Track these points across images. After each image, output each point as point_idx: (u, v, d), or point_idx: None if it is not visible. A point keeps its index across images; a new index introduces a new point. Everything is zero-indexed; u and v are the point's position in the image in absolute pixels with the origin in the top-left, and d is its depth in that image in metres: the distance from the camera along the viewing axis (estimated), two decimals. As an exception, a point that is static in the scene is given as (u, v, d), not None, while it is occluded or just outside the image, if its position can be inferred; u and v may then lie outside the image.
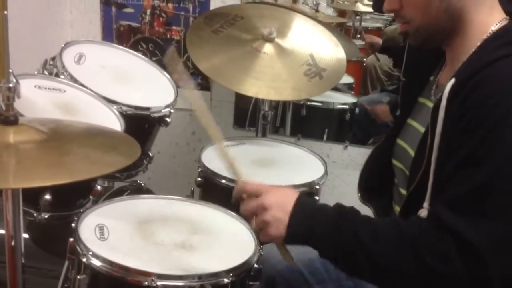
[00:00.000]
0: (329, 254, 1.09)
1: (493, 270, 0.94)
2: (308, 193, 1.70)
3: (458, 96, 1.02)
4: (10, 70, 1.00)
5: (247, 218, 1.14)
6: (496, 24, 1.09)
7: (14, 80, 1.01)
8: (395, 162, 1.31)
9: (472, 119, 0.98)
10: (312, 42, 1.99)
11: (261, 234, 1.12)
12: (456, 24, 1.10)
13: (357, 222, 1.06)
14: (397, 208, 1.27)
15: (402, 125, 1.31)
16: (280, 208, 1.08)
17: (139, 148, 1.13)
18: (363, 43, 2.72)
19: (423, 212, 1.08)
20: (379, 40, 2.67)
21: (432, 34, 1.13)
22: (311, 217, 1.08)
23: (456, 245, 0.95)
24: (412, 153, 1.19)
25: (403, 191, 1.22)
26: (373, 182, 1.42)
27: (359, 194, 1.45)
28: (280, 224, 1.07)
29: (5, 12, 0.96)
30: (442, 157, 1.05)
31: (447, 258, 0.95)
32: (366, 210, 1.45)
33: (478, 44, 1.08)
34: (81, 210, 1.42)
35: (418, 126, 1.23)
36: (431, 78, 1.27)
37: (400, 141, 1.29)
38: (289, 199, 1.10)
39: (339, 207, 1.11)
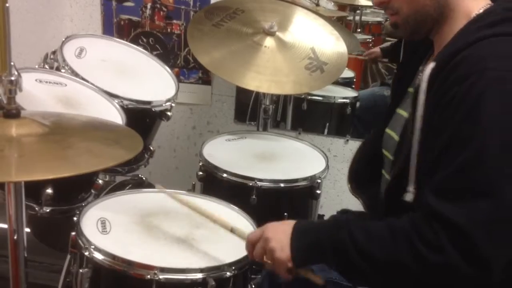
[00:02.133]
0: (332, 262, 1.10)
1: (486, 251, 0.92)
2: (309, 186, 1.70)
3: (437, 79, 1.03)
4: (12, 63, 1.00)
5: (260, 262, 1.17)
6: (480, 10, 1.09)
7: (16, 73, 1.00)
8: (384, 151, 1.31)
9: (451, 101, 0.98)
10: (313, 36, 1.99)
11: (275, 266, 1.12)
12: (443, 11, 1.11)
13: (351, 225, 1.06)
14: None
15: (391, 114, 1.31)
16: (281, 234, 1.12)
17: (141, 142, 1.13)
18: (364, 37, 2.71)
19: (408, 196, 1.09)
20: (377, 51, 2.67)
21: (420, 23, 1.13)
22: (310, 230, 1.12)
23: (445, 230, 0.94)
24: (397, 138, 1.20)
25: (389, 179, 1.22)
26: (363, 173, 1.42)
27: (349, 186, 1.45)
28: (284, 245, 1.10)
29: (7, 5, 0.96)
30: (424, 139, 1.05)
31: (440, 248, 0.94)
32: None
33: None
34: (83, 204, 1.42)
35: (403, 112, 1.24)
36: (420, 67, 1.27)
37: (388, 130, 1.30)
38: (288, 225, 1.13)
39: (334, 217, 1.14)
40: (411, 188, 1.09)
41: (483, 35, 1.01)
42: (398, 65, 1.37)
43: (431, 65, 1.05)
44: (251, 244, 1.17)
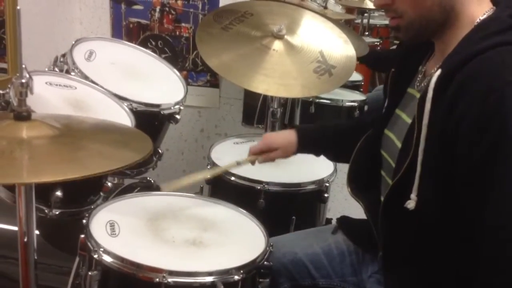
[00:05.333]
0: None
1: None
2: (317, 190, 1.70)
3: (447, 88, 1.01)
4: (24, 66, 1.00)
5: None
6: (484, 14, 1.08)
7: (27, 76, 1.00)
8: (383, 152, 1.30)
9: (474, 124, 0.95)
10: (321, 39, 1.98)
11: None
12: (448, 16, 1.09)
13: None
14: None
15: (390, 115, 1.30)
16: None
17: (151, 144, 1.13)
18: (372, 40, 2.71)
19: (411, 204, 1.08)
20: None
21: (425, 27, 1.12)
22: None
23: None
24: (399, 144, 1.19)
25: (390, 181, 1.21)
26: (362, 174, 1.40)
27: (348, 188, 1.43)
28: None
29: (18, 7, 0.96)
30: (430, 148, 1.04)
31: None
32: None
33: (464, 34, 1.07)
34: (92, 207, 1.42)
35: (405, 117, 1.23)
36: (420, 68, 1.26)
37: (388, 132, 1.29)
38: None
39: None
40: (413, 195, 1.08)
41: (491, 44, 0.99)
42: (395, 64, 1.36)
43: (437, 73, 1.03)
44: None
